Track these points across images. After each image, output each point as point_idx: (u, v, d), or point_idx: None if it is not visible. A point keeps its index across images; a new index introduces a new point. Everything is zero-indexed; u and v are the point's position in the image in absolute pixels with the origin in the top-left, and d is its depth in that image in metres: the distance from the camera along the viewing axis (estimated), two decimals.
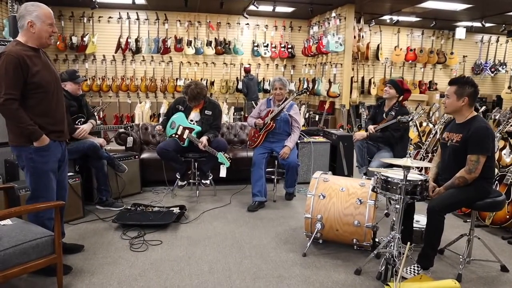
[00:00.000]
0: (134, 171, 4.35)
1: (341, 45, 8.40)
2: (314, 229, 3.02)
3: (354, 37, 8.89)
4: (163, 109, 8.55)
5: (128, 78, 9.37)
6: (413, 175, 2.67)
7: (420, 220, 3.23)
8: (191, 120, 4.14)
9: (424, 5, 7.84)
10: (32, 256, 2.20)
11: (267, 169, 4.21)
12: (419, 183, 2.56)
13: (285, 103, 4.17)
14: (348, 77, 8.81)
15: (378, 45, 10.07)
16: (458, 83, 2.69)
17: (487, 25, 9.18)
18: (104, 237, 3.23)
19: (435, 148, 4.82)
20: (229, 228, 3.50)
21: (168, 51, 9.28)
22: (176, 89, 9.42)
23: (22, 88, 2.33)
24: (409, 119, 3.72)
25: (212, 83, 9.71)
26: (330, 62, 9.10)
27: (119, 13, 9.16)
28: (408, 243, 2.53)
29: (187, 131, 4.04)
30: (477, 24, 9.46)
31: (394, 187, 2.55)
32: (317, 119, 8.68)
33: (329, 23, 8.85)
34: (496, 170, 3.66)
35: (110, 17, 9.21)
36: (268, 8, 8.57)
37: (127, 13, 9.16)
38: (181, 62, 9.62)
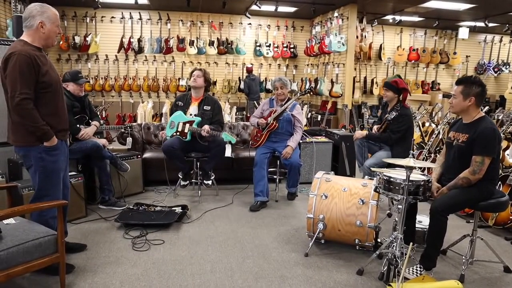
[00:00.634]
0: (136, 170, 4.36)
1: (343, 45, 8.39)
2: (316, 229, 3.02)
3: (357, 37, 8.87)
4: (165, 109, 8.55)
5: (130, 78, 9.38)
6: (416, 175, 2.66)
7: (423, 220, 3.23)
8: (190, 114, 4.14)
9: (427, 4, 7.82)
10: (35, 255, 2.20)
11: (269, 169, 4.22)
12: (422, 183, 2.55)
13: (288, 103, 4.17)
14: (350, 77, 8.79)
15: (381, 45, 10.05)
16: (465, 83, 2.66)
17: (491, 25, 9.14)
18: (107, 236, 3.24)
19: (438, 148, 4.81)
20: (231, 228, 3.51)
21: (170, 51, 9.29)
22: (178, 88, 9.43)
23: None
24: (392, 117, 3.77)
25: (214, 83, 9.71)
26: (332, 62, 9.09)
27: (122, 13, 9.18)
28: (411, 243, 2.52)
29: (187, 125, 4.05)
30: (480, 24, 9.42)
31: (397, 188, 2.54)
32: (319, 119, 8.66)
33: (331, 23, 8.83)
34: (499, 171, 3.64)
35: (112, 17, 9.23)
36: (270, 8, 8.57)
37: (130, 13, 9.18)
38: (184, 62, 9.63)
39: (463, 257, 2.75)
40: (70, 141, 3.48)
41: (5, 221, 2.34)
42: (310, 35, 10.08)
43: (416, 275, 2.57)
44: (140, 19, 9.26)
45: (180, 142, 4.03)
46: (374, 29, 9.97)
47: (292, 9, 9.03)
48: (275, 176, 4.46)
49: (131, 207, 3.78)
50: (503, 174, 3.70)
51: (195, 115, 4.15)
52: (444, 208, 2.57)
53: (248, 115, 8.84)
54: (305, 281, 2.61)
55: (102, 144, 3.79)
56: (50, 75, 2.42)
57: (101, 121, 4.66)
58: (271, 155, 4.20)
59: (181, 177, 4.24)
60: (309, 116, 8.90)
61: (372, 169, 3.22)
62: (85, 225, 3.46)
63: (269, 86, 9.83)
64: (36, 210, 2.48)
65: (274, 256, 2.97)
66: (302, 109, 4.82)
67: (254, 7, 8.20)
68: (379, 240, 3.01)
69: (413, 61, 10.24)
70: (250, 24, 9.84)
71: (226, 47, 9.62)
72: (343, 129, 7.91)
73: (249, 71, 9.08)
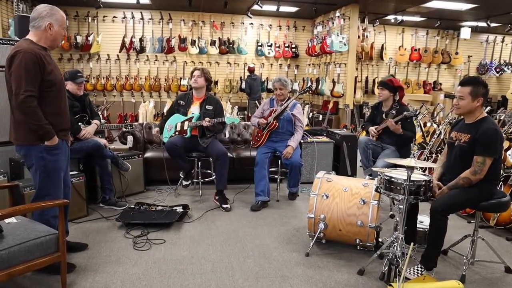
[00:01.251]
0: (137, 170, 4.37)
1: (345, 45, 8.38)
2: (317, 229, 3.02)
3: (358, 37, 8.86)
4: (167, 109, 8.55)
5: (132, 78, 9.40)
6: (417, 176, 2.66)
7: (424, 220, 3.22)
8: (192, 113, 4.14)
9: (428, 4, 7.81)
10: (36, 254, 2.21)
11: (270, 169, 4.21)
12: (423, 183, 2.55)
13: (288, 102, 4.17)
14: (352, 77, 8.78)
15: (382, 45, 10.04)
16: (473, 84, 2.63)
17: (493, 25, 9.12)
18: (108, 235, 3.25)
19: (439, 148, 4.80)
20: (232, 228, 3.51)
21: (172, 50, 9.30)
22: (180, 88, 9.44)
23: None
24: (416, 113, 3.72)
25: (215, 83, 9.72)
26: (334, 62, 9.08)
27: (124, 12, 9.20)
28: (412, 243, 2.52)
29: (186, 122, 4.05)
30: (482, 24, 9.40)
31: (398, 188, 2.53)
32: (320, 118, 8.67)
33: (333, 23, 8.83)
34: (501, 171, 3.63)
35: (114, 17, 9.25)
36: (272, 7, 8.57)
37: (132, 12, 9.20)
38: (185, 61, 9.64)
39: (464, 257, 2.74)
40: (71, 141, 3.48)
41: (7, 220, 2.34)
42: (312, 35, 10.08)
43: (417, 275, 2.57)
44: (142, 18, 9.28)
45: (182, 141, 4.02)
46: (376, 29, 9.96)
47: (293, 9, 9.03)
48: (276, 176, 4.46)
49: (132, 206, 3.78)
50: (504, 174, 3.69)
51: None
52: (444, 208, 2.56)
53: (250, 115, 8.85)
54: (306, 281, 2.61)
55: (104, 144, 3.80)
56: (54, 74, 2.44)
57: (102, 120, 4.66)
58: (272, 155, 4.20)
59: (182, 176, 4.24)
60: (310, 116, 8.91)
61: (373, 169, 3.22)
62: (86, 225, 3.47)
63: (270, 86, 9.83)
64: (37, 209, 2.48)
65: (275, 255, 2.97)
66: (303, 109, 4.82)
67: (255, 7, 8.21)
68: (380, 240, 3.01)
69: (414, 61, 10.22)
70: (251, 24, 9.84)
71: (227, 47, 9.62)
72: (344, 129, 7.92)
73: (251, 71, 9.09)
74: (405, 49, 10.14)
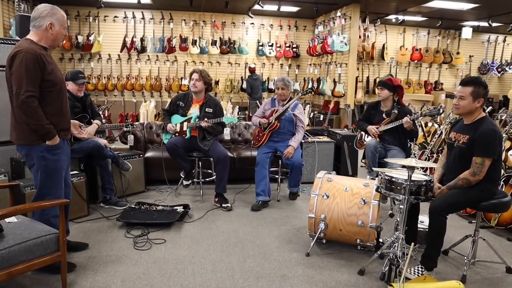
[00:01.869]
0: (138, 169, 4.37)
1: (346, 44, 8.38)
2: (317, 229, 3.01)
3: (359, 36, 8.86)
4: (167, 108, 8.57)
5: (133, 77, 9.41)
6: (418, 176, 2.66)
7: (425, 220, 3.21)
8: (190, 114, 4.13)
9: (430, 4, 7.80)
10: (37, 253, 2.21)
11: (271, 169, 4.21)
12: (424, 183, 2.55)
13: (290, 103, 4.16)
14: (353, 77, 8.78)
15: (384, 44, 10.03)
16: (474, 84, 2.60)
17: (494, 24, 9.11)
18: (108, 235, 3.25)
19: (440, 148, 4.79)
20: (233, 228, 3.51)
21: (173, 50, 9.31)
22: (181, 88, 9.45)
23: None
24: (439, 112, 3.80)
25: (216, 83, 9.72)
26: (335, 62, 9.08)
27: (125, 12, 9.20)
28: (412, 243, 2.52)
29: (185, 123, 4.05)
30: (484, 24, 9.38)
31: (399, 188, 2.53)
32: (321, 118, 8.67)
33: (334, 23, 8.82)
34: (502, 171, 3.62)
35: (115, 17, 9.26)
36: (273, 7, 8.57)
37: (133, 12, 9.21)
38: (186, 61, 9.65)
39: (465, 257, 2.74)
40: (71, 141, 3.49)
41: (7, 220, 2.35)
42: (313, 34, 10.08)
43: (418, 276, 2.56)
44: (143, 18, 9.29)
45: (183, 141, 4.03)
46: (377, 29, 9.95)
47: (294, 9, 9.03)
48: (276, 176, 4.46)
49: (133, 206, 3.79)
50: (506, 174, 3.68)
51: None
52: (443, 208, 2.55)
53: (250, 114, 8.85)
54: (306, 281, 2.60)
55: (105, 144, 3.80)
56: (55, 74, 2.44)
57: (104, 120, 4.66)
58: (273, 155, 4.20)
59: (183, 176, 4.24)
60: (311, 116, 8.90)
61: (374, 169, 3.21)
62: (87, 224, 3.47)
63: (271, 85, 9.84)
64: (38, 209, 2.49)
65: (275, 255, 2.97)
66: (304, 109, 4.81)
67: (256, 7, 8.20)
68: (380, 240, 3.00)
69: (416, 61, 10.21)
70: (252, 23, 9.84)
71: (228, 47, 9.63)
72: (345, 129, 7.91)
73: (252, 71, 9.09)
74: (406, 49, 10.13)
